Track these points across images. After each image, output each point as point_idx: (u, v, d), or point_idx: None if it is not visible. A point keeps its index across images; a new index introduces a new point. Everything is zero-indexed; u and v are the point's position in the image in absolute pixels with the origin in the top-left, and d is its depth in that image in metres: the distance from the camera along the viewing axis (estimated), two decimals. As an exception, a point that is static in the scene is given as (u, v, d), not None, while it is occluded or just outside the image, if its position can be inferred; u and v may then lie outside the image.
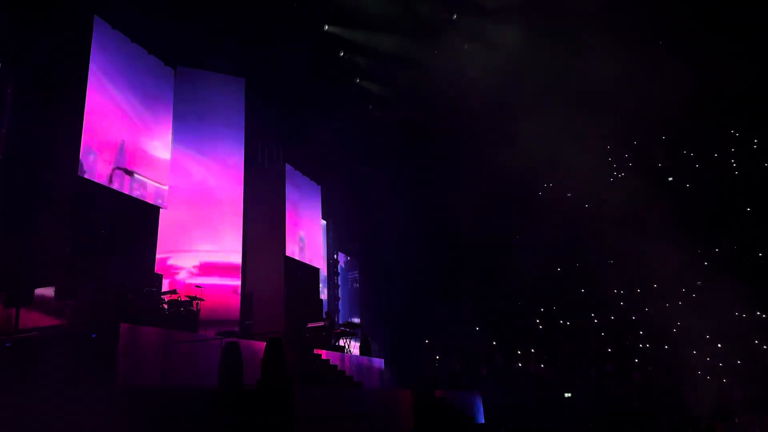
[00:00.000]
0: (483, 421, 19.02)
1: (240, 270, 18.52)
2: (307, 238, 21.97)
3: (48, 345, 10.80)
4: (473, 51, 24.74)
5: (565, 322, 27.97)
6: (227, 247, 18.47)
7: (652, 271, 24.76)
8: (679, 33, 24.52)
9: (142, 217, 15.70)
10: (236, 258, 18.52)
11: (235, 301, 18.12)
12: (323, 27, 19.59)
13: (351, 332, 18.72)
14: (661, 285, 25.39)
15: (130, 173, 15.17)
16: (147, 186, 15.80)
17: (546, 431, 19.98)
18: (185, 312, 13.46)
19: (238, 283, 18.33)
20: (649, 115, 26.69)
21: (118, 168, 14.85)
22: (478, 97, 25.29)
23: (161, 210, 16.37)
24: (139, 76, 16.12)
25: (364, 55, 22.72)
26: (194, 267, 17.83)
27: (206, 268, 17.94)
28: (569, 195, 29.62)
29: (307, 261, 21.66)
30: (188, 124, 18.54)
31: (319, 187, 23.49)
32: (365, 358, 18.54)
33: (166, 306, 13.31)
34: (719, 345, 23.00)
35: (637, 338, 26.23)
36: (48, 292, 11.61)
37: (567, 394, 23.78)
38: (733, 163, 28.42)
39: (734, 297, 22.67)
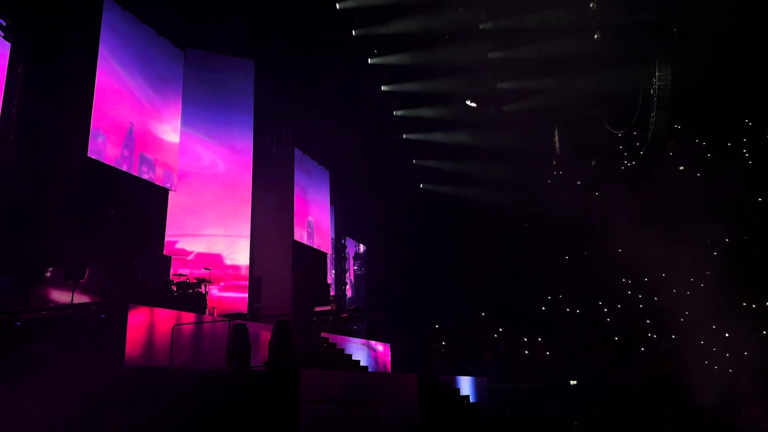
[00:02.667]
0: (488, 407, 19.11)
1: (248, 255, 18.61)
2: (316, 222, 22.01)
3: (57, 325, 10.90)
4: None
5: (571, 310, 27.95)
6: (236, 231, 18.53)
7: (661, 260, 24.65)
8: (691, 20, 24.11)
9: (151, 200, 15.76)
10: (245, 242, 18.60)
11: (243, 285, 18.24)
12: (335, 6, 19.30)
13: (358, 317, 18.80)
14: (668, 274, 25.27)
15: (139, 156, 15.21)
16: (156, 169, 15.84)
17: (551, 418, 20.02)
18: (193, 294, 13.54)
19: (246, 265, 18.43)
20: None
21: (127, 150, 14.89)
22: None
23: (170, 193, 16.42)
24: (148, 57, 16.09)
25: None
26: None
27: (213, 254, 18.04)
28: (579, 183, 29.49)
29: (315, 246, 21.71)
30: (197, 107, 18.53)
31: (328, 171, 23.46)
32: (372, 342, 18.61)
33: (174, 288, 13.39)
34: (726, 335, 22.92)
35: (644, 327, 26.19)
36: (57, 272, 11.68)
37: (572, 382, 23.80)
38: (746, 152, 28.16)
39: (742, 287, 22.55)
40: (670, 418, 17.77)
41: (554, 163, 29.77)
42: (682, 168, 28.78)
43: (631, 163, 29.61)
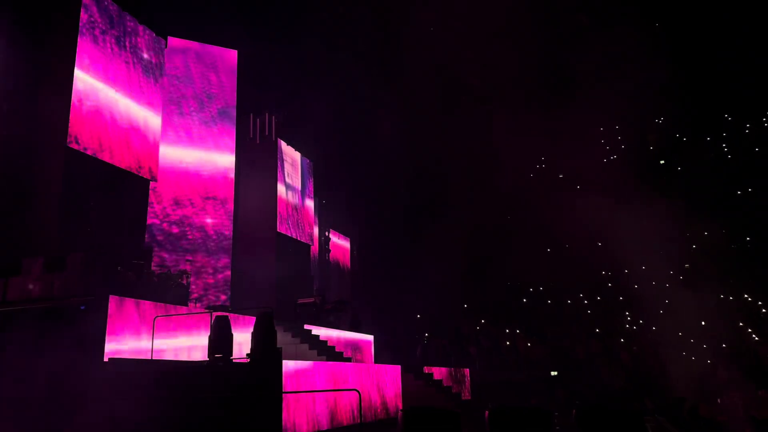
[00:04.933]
0: (470, 398, 19.24)
1: (231, 244, 18.51)
2: (299, 214, 21.92)
3: (36, 316, 10.75)
4: None
5: (553, 302, 28.21)
6: (219, 221, 18.41)
7: (641, 253, 24.92)
8: (670, 16, 24.37)
9: (133, 190, 15.58)
10: (228, 231, 18.50)
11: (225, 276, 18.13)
12: None
13: (341, 308, 18.79)
14: (649, 267, 25.58)
15: (121, 147, 15.02)
16: (137, 159, 15.66)
17: (532, 408, 20.21)
18: (175, 285, 13.43)
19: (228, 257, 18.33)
20: (642, 98, 26.68)
21: (108, 139, 14.69)
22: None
23: (151, 183, 16.26)
24: (129, 46, 15.87)
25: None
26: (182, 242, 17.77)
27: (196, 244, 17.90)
28: (561, 176, 29.71)
29: (298, 237, 21.65)
30: (180, 97, 18.34)
31: (312, 163, 23.37)
32: (355, 334, 18.62)
33: (156, 279, 13.27)
34: (703, 323, 23.30)
35: (624, 319, 26.52)
36: (36, 263, 11.52)
37: (553, 373, 24.05)
38: (725, 147, 28.54)
39: (721, 280, 22.89)
40: (650, 409, 18.04)
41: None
42: (663, 162, 29.10)
43: (612, 157, 29.90)
